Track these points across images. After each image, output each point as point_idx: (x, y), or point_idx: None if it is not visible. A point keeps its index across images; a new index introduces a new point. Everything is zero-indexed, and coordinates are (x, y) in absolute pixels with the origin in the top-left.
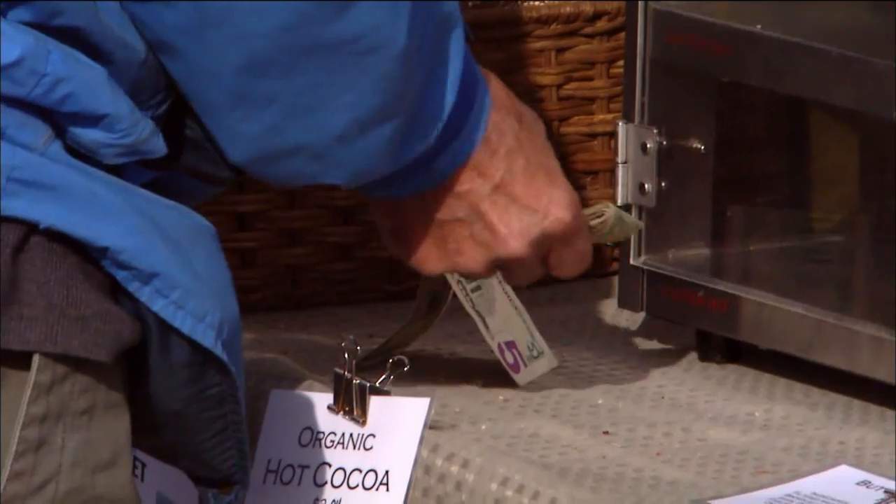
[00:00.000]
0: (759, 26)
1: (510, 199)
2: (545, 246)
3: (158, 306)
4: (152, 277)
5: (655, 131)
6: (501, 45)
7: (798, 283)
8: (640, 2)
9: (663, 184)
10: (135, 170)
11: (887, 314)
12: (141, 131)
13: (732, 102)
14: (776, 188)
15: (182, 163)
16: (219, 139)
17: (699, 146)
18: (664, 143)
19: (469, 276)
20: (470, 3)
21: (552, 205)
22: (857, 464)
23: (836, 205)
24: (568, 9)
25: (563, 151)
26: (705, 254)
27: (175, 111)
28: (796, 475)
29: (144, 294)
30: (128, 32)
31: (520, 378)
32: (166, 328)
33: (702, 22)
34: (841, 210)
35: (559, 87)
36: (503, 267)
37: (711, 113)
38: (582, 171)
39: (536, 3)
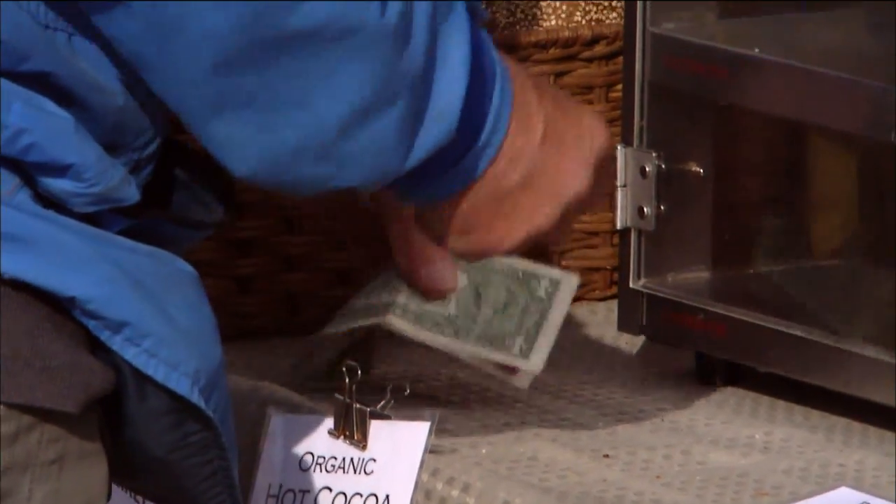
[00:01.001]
0: (756, 50)
1: (559, 141)
2: (599, 169)
3: (130, 355)
4: (122, 326)
5: (654, 155)
6: None
7: (797, 306)
8: (638, 26)
9: (662, 207)
10: (112, 217)
11: (886, 337)
12: (109, 179)
13: (731, 126)
14: (775, 211)
15: (173, 206)
16: (218, 155)
17: (698, 169)
18: (663, 166)
19: (548, 239)
20: None
21: (593, 125)
22: (857, 486)
23: (835, 228)
24: (566, 33)
25: None
26: (705, 277)
27: (166, 151)
28: (796, 497)
29: (116, 343)
30: (103, 73)
31: (519, 381)
32: (141, 376)
33: (700, 46)
34: (840, 233)
35: None
36: (568, 214)
37: (710, 136)
38: None
39: (535, 27)
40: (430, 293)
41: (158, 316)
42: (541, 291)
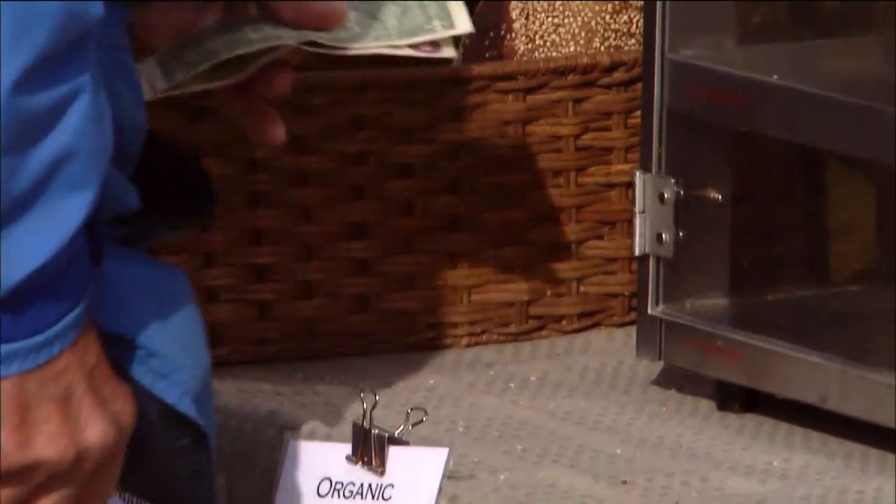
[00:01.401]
0: (775, 77)
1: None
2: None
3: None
4: (118, 338)
5: (673, 181)
6: (519, 96)
7: (816, 333)
8: (656, 53)
9: (681, 233)
10: (107, 225)
11: None
12: (113, 188)
13: (749, 152)
14: (793, 238)
15: (157, 204)
16: None
17: (716, 196)
18: (681, 193)
19: None
20: (487, 55)
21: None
22: None
23: (854, 254)
24: (585, 60)
25: (581, 202)
26: (723, 303)
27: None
28: None
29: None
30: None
31: (446, 52)
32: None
33: (718, 73)
34: (858, 259)
35: (577, 137)
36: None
37: (728, 163)
38: (599, 221)
39: (554, 54)
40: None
41: (155, 326)
42: None
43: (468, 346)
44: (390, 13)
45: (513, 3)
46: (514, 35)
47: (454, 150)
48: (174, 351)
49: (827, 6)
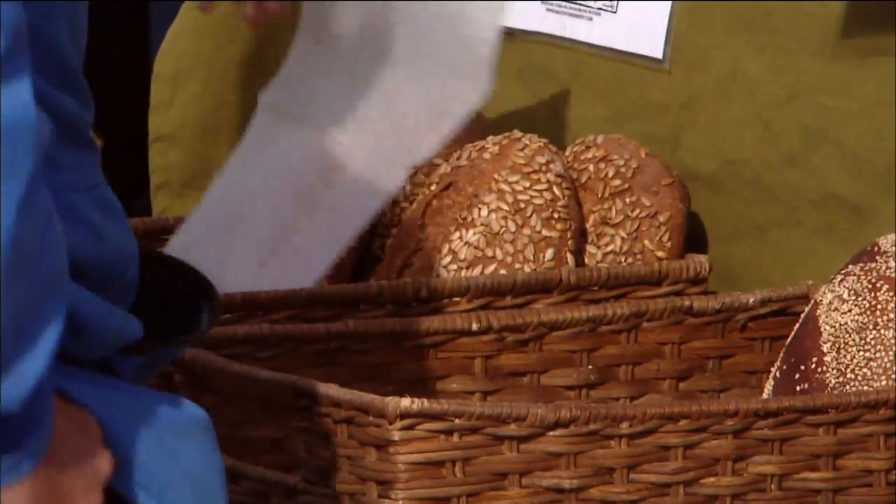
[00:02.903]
0: None
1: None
2: None
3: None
4: (132, 469)
5: None
6: (829, 429)
7: None
8: None
9: None
10: (122, 358)
11: None
12: (112, 321)
13: None
14: None
15: (161, 322)
16: None
17: None
18: None
19: None
20: (798, 388)
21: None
22: None
23: None
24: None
25: None
26: None
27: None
28: None
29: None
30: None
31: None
32: None
33: None
34: None
35: (887, 472)
36: None
37: None
38: None
39: (865, 387)
40: None
41: (167, 461)
42: None
43: None
44: None
45: (823, 336)
46: (825, 368)
47: (762, 482)
48: (186, 488)
49: None
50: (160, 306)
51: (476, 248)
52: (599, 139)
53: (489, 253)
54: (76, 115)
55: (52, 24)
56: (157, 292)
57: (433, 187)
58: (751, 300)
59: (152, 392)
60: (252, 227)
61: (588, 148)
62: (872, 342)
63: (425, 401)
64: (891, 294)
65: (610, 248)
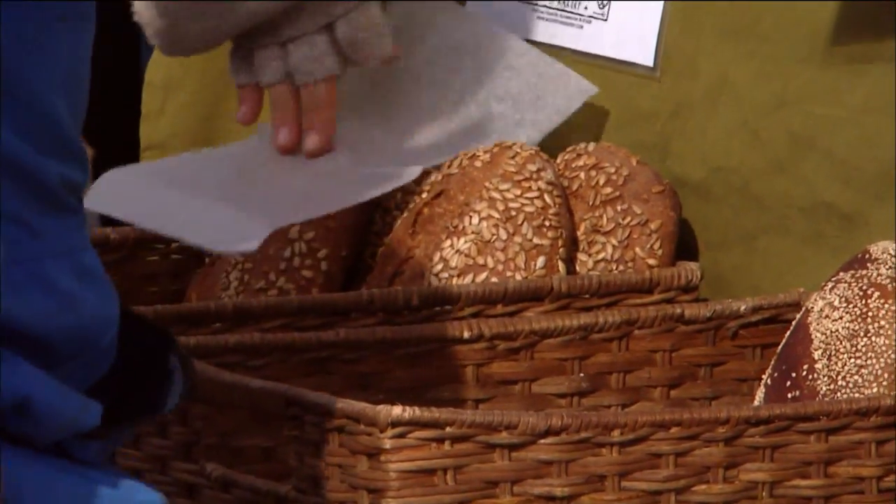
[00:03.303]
0: None
1: None
2: None
3: None
4: None
5: None
6: (821, 436)
7: None
8: None
9: None
10: (79, 443)
11: None
12: (68, 409)
13: None
14: None
15: (126, 400)
16: None
17: None
18: None
19: None
20: (790, 395)
21: None
22: None
23: None
24: (888, 401)
25: None
26: None
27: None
28: None
29: None
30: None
31: None
32: None
33: None
34: None
35: (879, 479)
36: None
37: None
38: None
39: (857, 395)
40: None
41: None
42: None
43: None
44: None
45: (815, 343)
46: (816, 375)
47: (754, 489)
48: None
49: None
50: (126, 368)
51: (467, 256)
52: (590, 147)
53: (480, 261)
54: (62, 181)
55: (50, 96)
56: (125, 354)
57: (424, 195)
58: (742, 308)
59: (105, 475)
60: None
61: (579, 156)
62: (864, 349)
63: (417, 409)
64: (882, 301)
65: (601, 255)
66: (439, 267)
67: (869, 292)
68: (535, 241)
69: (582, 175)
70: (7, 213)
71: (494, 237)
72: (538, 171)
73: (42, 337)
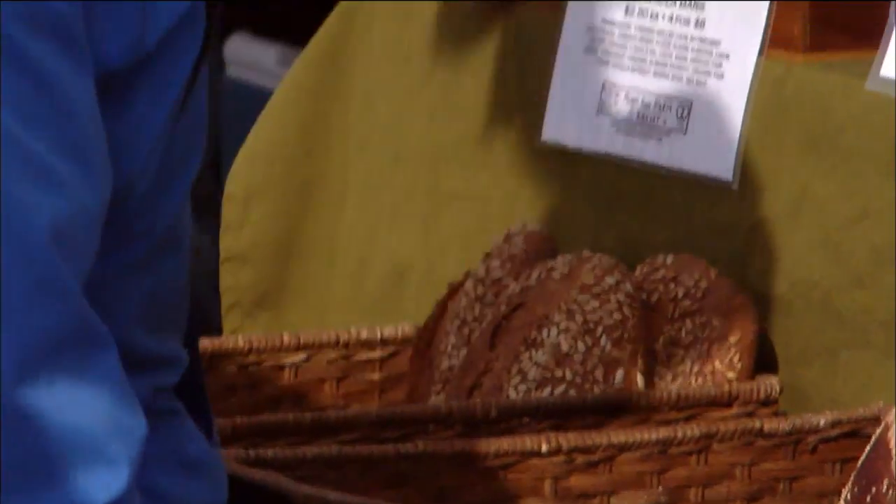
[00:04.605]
0: None
1: None
2: None
3: None
4: None
5: None
6: None
7: None
8: None
9: None
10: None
11: None
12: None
13: None
14: None
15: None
16: None
17: None
18: None
19: None
20: None
21: None
22: None
23: None
24: None
25: None
26: None
27: None
28: None
29: None
30: None
31: None
32: None
33: None
34: None
35: None
36: None
37: None
38: None
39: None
40: None
41: None
42: None
43: None
44: None
45: (895, 459)
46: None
47: None
48: None
49: None
50: None
51: (545, 368)
52: (669, 259)
53: (559, 373)
54: (155, 391)
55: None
56: None
57: (502, 308)
58: (821, 422)
59: None
60: None
61: (657, 269)
62: None
63: None
64: None
65: (680, 368)
66: (517, 379)
67: None
68: (614, 353)
69: (661, 287)
70: None
71: (572, 349)
72: (617, 283)
73: None
